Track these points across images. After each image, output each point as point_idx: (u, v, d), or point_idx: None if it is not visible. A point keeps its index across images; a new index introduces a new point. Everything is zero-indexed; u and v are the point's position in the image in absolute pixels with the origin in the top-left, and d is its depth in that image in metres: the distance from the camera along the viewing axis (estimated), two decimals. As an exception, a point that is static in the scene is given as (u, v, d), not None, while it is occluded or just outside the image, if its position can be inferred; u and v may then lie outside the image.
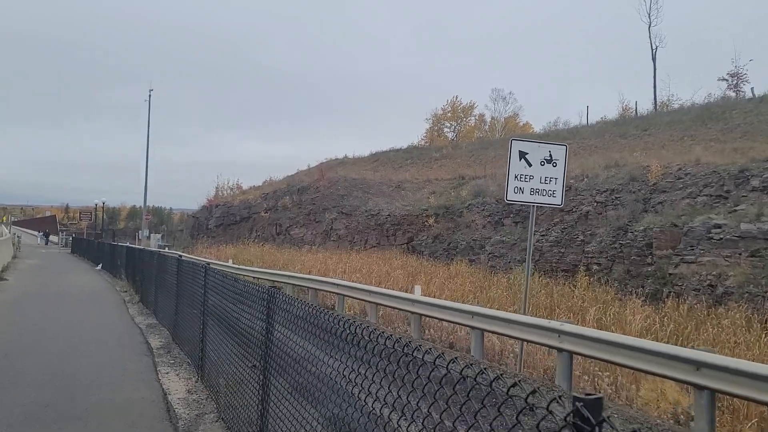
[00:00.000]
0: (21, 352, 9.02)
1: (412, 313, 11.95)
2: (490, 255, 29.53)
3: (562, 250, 25.78)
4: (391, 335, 2.73)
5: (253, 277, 21.52)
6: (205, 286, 7.87)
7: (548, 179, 10.09)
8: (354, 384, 3.06)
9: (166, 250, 36.70)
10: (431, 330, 14.11)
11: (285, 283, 18.73)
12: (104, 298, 17.12)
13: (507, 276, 23.40)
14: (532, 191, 10.07)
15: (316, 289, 16.66)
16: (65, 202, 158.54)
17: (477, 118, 62.64)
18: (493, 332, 9.78)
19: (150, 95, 49.68)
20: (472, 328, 10.06)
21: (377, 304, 13.32)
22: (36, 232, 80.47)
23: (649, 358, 6.71)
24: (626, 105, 47.81)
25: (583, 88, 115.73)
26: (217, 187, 56.72)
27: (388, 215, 37.74)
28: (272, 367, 4.73)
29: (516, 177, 10.03)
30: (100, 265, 29.71)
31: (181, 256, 10.86)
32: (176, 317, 10.51)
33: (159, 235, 54.41)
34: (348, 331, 3.20)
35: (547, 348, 9.07)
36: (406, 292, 18.78)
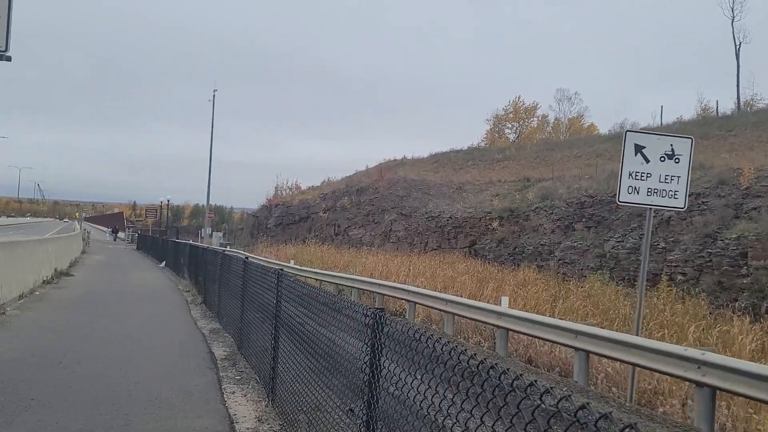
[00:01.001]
0: (77, 359, 8.11)
1: (498, 327, 10.53)
2: (560, 261, 27.72)
3: (641, 258, 23.78)
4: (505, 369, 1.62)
5: (316, 279, 20.51)
6: (278, 294, 6.72)
7: (669, 178, 8.52)
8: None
9: (228, 248, 36.35)
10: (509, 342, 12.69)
11: (349, 287, 17.62)
12: (166, 298, 16.38)
13: (581, 284, 21.68)
14: (650, 191, 8.52)
15: (383, 294, 15.42)
16: (133, 199, 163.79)
17: (540, 119, 60.35)
18: (603, 356, 8.29)
19: (214, 96, 49.76)
20: (576, 349, 8.59)
21: (455, 314, 11.96)
22: (105, 228, 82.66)
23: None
24: (706, 105, 44.59)
25: (652, 88, 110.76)
26: (276, 187, 56.54)
27: (450, 217, 36.27)
28: (379, 416, 3.49)
29: (630, 175, 8.51)
30: (164, 263, 29.41)
31: (247, 257, 9.79)
32: (242, 324, 9.46)
33: (220, 234, 54.55)
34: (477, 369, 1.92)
35: (675, 378, 7.51)
36: (476, 299, 17.36)
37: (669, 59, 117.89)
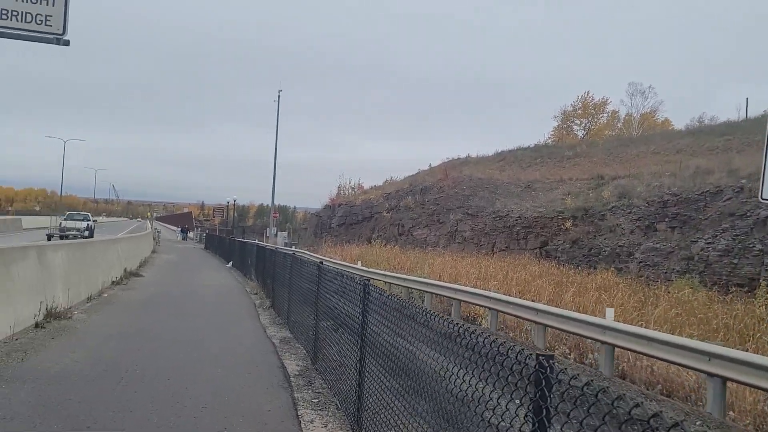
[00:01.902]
0: (140, 374, 7.30)
1: (603, 342, 9.13)
2: (641, 264, 25.72)
3: (735, 261, 21.59)
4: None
5: (384, 282, 19.48)
6: (365, 309, 5.65)
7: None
8: None
9: (293, 248, 35.94)
10: (592, 354, 11.20)
11: (422, 290, 16.48)
12: (234, 301, 15.68)
13: (667, 288, 19.79)
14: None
15: (461, 300, 14.18)
16: (201, 199, 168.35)
17: (609, 114, 57.35)
18: (746, 384, 6.82)
19: (279, 96, 49.65)
20: (709, 375, 7.14)
21: (549, 326, 10.61)
22: (175, 228, 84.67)
23: None
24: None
25: (733, 80, 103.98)
26: (339, 187, 56.10)
27: (519, 217, 34.58)
28: None
29: (778, 168, 7.01)
30: (231, 263, 29.10)
31: (322, 262, 8.78)
32: (316, 337, 8.46)
33: (285, 233, 54.50)
34: None
35: None
36: (555, 305, 15.87)
37: (751, 48, 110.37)
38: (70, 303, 11.65)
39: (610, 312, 9.99)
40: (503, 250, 33.84)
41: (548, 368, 2.36)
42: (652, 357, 8.38)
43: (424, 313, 4.26)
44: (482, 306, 13.03)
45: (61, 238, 33.48)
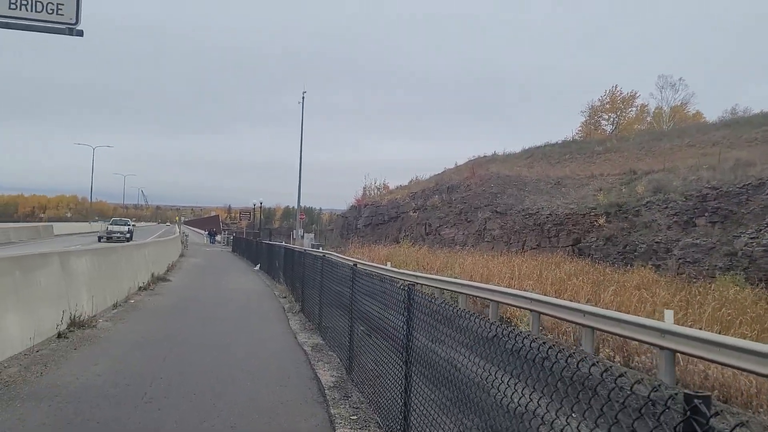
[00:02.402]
0: (165, 389, 6.75)
1: (662, 348, 8.33)
2: (680, 260, 24.62)
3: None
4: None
5: (415, 283, 18.82)
6: (410, 318, 4.99)
7: None
8: None
9: (321, 249, 35.48)
10: (639, 357, 10.36)
11: (456, 292, 15.78)
12: (263, 305, 15.11)
13: (710, 286, 18.78)
14: None
15: (498, 302, 13.44)
16: (228, 202, 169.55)
17: (638, 108, 55.73)
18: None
19: (303, 98, 49.29)
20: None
21: (597, 329, 9.84)
22: (202, 231, 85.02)
23: None
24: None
25: (763, 73, 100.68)
26: (364, 187, 55.57)
27: (549, 214, 33.58)
28: None
29: None
30: (258, 266, 28.69)
31: (355, 264, 8.16)
32: (351, 344, 7.84)
33: (311, 235, 54.13)
34: None
35: None
36: (595, 305, 15.01)
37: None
38: (95, 310, 11.21)
39: (669, 314, 9.16)
40: (534, 249, 32.90)
41: (706, 418, 1.67)
42: (721, 364, 7.56)
43: (488, 324, 3.58)
44: (523, 308, 12.27)
45: (108, 240, 40.41)
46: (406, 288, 5.18)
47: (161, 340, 9.54)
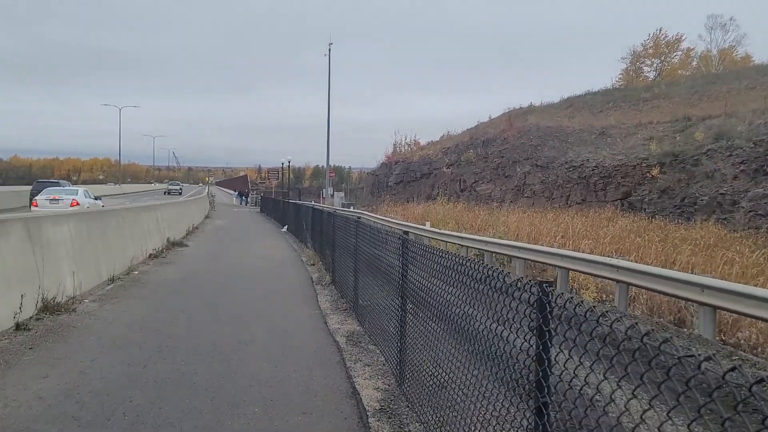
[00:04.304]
0: (129, 427, 4.42)
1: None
2: (750, 213, 21.58)
3: None
4: None
5: (459, 245, 16.29)
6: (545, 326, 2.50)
7: None
8: None
9: (352, 209, 33.13)
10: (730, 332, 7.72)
11: (512, 256, 13.21)
12: (288, 277, 12.60)
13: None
14: None
15: (568, 269, 10.81)
16: (258, 163, 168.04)
17: (684, 52, 51.06)
18: None
19: (329, 50, 46.15)
20: None
21: (718, 307, 7.20)
22: (232, 191, 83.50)
23: None
24: None
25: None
26: (395, 144, 52.73)
27: (595, 167, 30.46)
28: None
29: None
30: (285, 227, 26.44)
31: (407, 233, 5.61)
32: (402, 336, 5.39)
33: (341, 193, 51.77)
34: None
35: None
36: (665, 267, 12.33)
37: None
38: (81, 288, 8.97)
39: None
40: (579, 203, 29.95)
41: None
42: None
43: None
44: (608, 278, 9.63)
45: (168, 194, 58.68)
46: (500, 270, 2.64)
47: (150, 333, 7.15)
